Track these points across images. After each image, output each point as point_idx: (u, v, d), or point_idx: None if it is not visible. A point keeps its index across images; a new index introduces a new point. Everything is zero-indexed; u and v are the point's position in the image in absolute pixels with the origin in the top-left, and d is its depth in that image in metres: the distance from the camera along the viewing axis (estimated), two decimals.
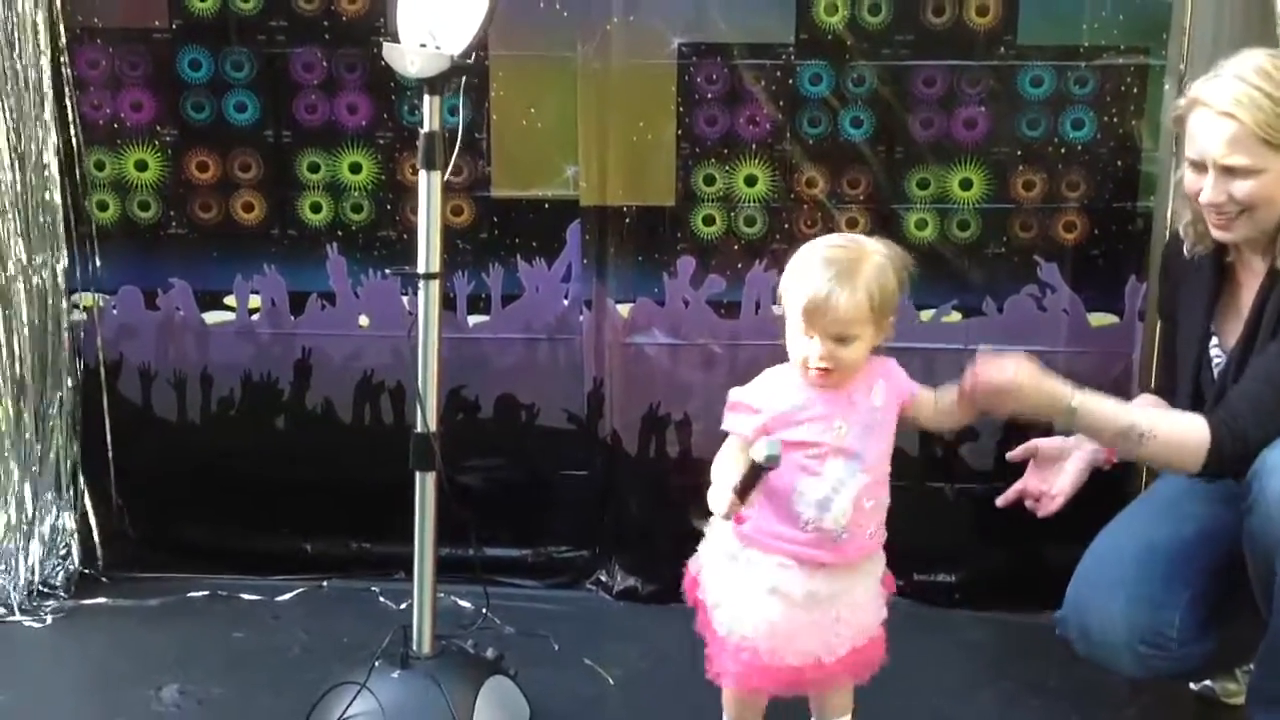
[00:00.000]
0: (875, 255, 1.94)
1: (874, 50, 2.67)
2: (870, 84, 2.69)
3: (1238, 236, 2.15)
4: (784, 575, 1.97)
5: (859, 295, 1.90)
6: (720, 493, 1.91)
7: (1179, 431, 2.07)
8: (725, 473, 1.93)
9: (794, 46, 2.68)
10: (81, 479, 2.91)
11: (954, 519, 2.86)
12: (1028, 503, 2.26)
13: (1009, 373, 2.00)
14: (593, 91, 2.71)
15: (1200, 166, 2.11)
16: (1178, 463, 2.09)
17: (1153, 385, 2.52)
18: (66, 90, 2.73)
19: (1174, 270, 2.36)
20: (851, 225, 2.75)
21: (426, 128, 2.09)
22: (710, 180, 2.76)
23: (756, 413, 1.96)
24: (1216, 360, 2.25)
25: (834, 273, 1.91)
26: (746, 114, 2.73)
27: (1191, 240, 2.25)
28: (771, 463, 1.84)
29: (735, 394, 2.00)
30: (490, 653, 2.31)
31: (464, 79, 2.10)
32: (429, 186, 2.11)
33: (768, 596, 1.97)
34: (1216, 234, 2.16)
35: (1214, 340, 2.26)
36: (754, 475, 1.87)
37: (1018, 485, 2.27)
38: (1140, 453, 2.11)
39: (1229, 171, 2.07)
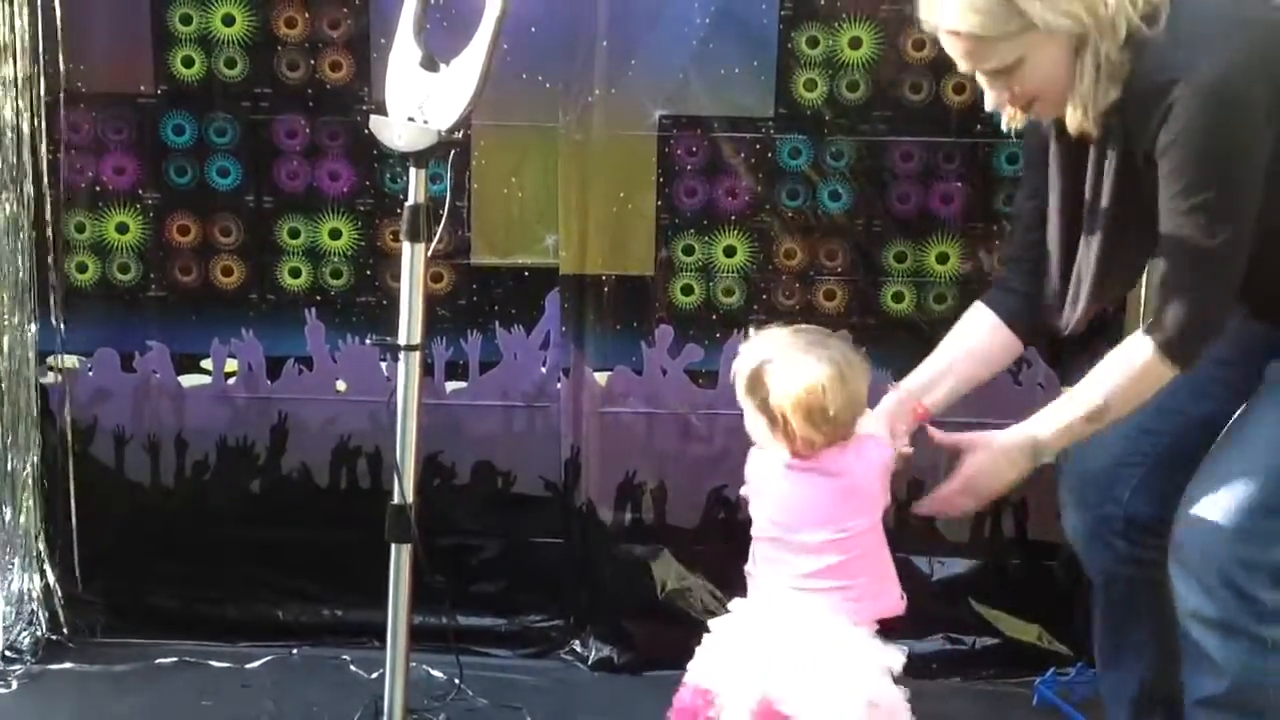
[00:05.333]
0: None
1: (852, 125, 2.71)
2: (848, 158, 2.73)
3: (1046, 115, 2.00)
4: None
5: None
6: None
7: (1129, 374, 1.97)
8: None
9: (773, 120, 2.72)
10: (49, 543, 2.87)
11: (929, 590, 2.86)
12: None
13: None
14: (574, 161, 2.73)
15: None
16: (1154, 390, 1.99)
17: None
18: (45, 152, 2.73)
19: (1035, 156, 2.16)
20: (829, 297, 2.78)
21: (411, 200, 2.10)
22: (689, 250, 2.79)
23: None
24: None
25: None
26: (726, 185, 2.76)
27: (1007, 118, 2.05)
28: None
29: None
30: None
31: (450, 153, 2.10)
32: (412, 259, 2.11)
33: None
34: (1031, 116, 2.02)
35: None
36: None
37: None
38: (1116, 416, 2.01)
39: (996, 74, 1.93)
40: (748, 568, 2.12)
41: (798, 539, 2.02)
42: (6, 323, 2.77)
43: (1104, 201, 1.97)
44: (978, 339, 2.23)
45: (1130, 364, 1.98)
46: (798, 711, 1.94)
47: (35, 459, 2.84)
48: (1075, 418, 2.02)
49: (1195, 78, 1.81)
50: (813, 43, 2.68)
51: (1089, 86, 1.87)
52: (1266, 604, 1.94)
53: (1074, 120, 1.92)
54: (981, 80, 1.96)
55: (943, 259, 2.76)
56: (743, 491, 2.15)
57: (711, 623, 2.11)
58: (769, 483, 2.07)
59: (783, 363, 2.02)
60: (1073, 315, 2.07)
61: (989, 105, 1.99)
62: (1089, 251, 2.02)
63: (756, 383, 2.03)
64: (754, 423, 2.06)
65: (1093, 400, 2.00)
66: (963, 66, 1.96)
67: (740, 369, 2.07)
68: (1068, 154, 2.05)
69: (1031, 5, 1.83)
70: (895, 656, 2.01)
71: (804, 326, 2.12)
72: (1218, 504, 1.96)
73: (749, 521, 2.83)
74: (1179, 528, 2.00)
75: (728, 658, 2.04)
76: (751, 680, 1.98)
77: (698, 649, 2.10)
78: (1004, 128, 2.06)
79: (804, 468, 2.03)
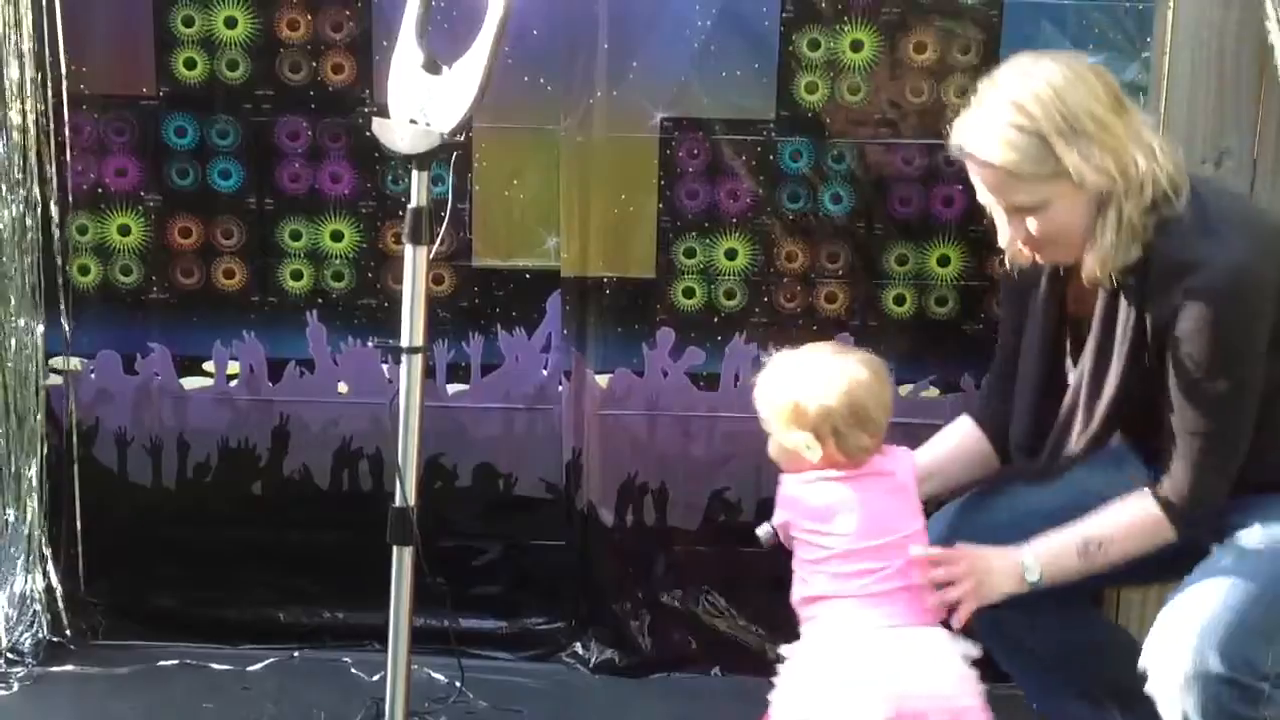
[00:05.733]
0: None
1: (853, 128, 2.71)
2: (849, 161, 2.73)
3: (1053, 260, 2.07)
4: None
5: None
6: None
7: (1133, 522, 2.03)
8: None
9: (774, 123, 2.72)
10: (51, 545, 2.87)
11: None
12: None
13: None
14: (575, 164, 2.73)
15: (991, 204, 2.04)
16: (1151, 547, 2.03)
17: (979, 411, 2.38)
18: (48, 154, 2.73)
19: (1015, 293, 2.24)
20: (830, 300, 2.78)
21: (414, 203, 2.10)
22: (691, 253, 2.79)
23: None
24: (1071, 375, 2.16)
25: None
26: (727, 188, 2.76)
27: (1011, 254, 2.11)
28: None
29: None
30: None
31: (453, 155, 2.10)
32: (414, 261, 2.11)
33: None
34: (1036, 259, 2.08)
35: (1068, 361, 2.18)
36: None
37: None
38: (1110, 560, 2.04)
39: (1017, 211, 1.98)
40: (803, 595, 2.06)
41: (876, 544, 2.02)
42: (12, 325, 2.77)
43: (1116, 359, 2.03)
44: (960, 447, 2.30)
45: (1134, 518, 2.03)
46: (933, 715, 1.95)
47: (40, 461, 2.84)
48: (1068, 545, 2.04)
49: (1220, 266, 1.90)
50: (814, 45, 2.68)
51: (1111, 242, 1.94)
52: (1263, 691, 1.92)
53: (1089, 270, 1.98)
54: (999, 216, 2.02)
55: (944, 261, 2.76)
56: (776, 523, 2.10)
57: (786, 650, 2.07)
58: (843, 501, 2.03)
59: (818, 379, 2.03)
60: (1058, 459, 2.12)
61: (1002, 241, 2.04)
62: (1094, 402, 2.07)
63: (799, 412, 2.02)
64: (803, 446, 2.03)
65: (1090, 536, 2.03)
66: (985, 197, 2.01)
67: (775, 402, 2.05)
68: (1054, 302, 2.14)
69: (1069, 154, 1.90)
70: (970, 648, 2.02)
71: (819, 345, 2.13)
72: (1211, 604, 1.95)
73: (749, 523, 2.85)
74: (1169, 634, 1.95)
75: (825, 684, 1.99)
76: (880, 697, 1.94)
77: (778, 681, 2.05)
78: (1006, 264, 2.14)
79: (862, 474, 2.04)
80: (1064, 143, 1.90)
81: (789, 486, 2.08)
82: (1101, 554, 2.02)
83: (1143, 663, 1.98)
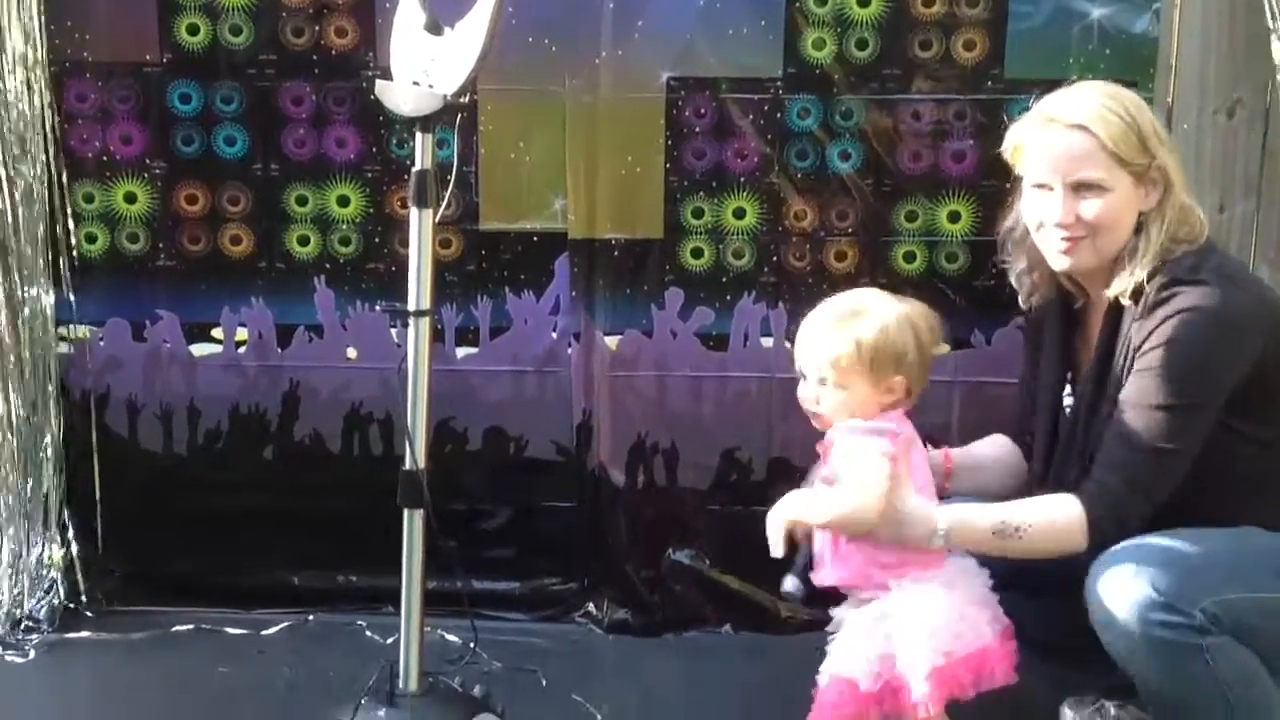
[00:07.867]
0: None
1: (861, 84, 2.69)
2: (858, 117, 2.71)
3: (1081, 263, 2.12)
4: None
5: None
6: None
7: (1052, 517, 2.03)
8: None
9: (782, 80, 2.70)
10: (66, 512, 2.89)
11: None
12: None
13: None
14: (581, 125, 2.72)
15: (1047, 188, 2.10)
16: (1061, 549, 2.03)
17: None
18: (51, 123, 2.73)
19: (1034, 329, 2.35)
20: (840, 258, 2.77)
21: (419, 166, 2.09)
22: (699, 213, 2.77)
23: None
24: (1068, 404, 2.24)
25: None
26: (735, 147, 2.74)
27: (1027, 290, 2.26)
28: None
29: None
30: (478, 689, 2.30)
31: (457, 117, 2.09)
32: (420, 224, 2.11)
33: None
34: (1058, 261, 2.13)
35: (1068, 388, 2.26)
36: None
37: None
38: (1021, 548, 2.03)
39: (1078, 189, 2.06)
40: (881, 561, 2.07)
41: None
42: (25, 294, 2.77)
43: (1111, 383, 2.09)
44: (993, 455, 2.37)
45: (1054, 515, 2.03)
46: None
47: (55, 429, 2.84)
48: (985, 522, 2.04)
49: (1208, 297, 1.99)
50: (820, 1, 2.65)
51: (1145, 257, 2.05)
52: (1196, 619, 1.91)
53: (1119, 284, 2.07)
54: (1056, 196, 2.08)
55: (954, 217, 2.74)
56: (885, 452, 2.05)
57: (838, 611, 2.12)
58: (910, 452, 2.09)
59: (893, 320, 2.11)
60: (1064, 478, 2.16)
61: (1052, 217, 2.10)
62: (1092, 420, 2.12)
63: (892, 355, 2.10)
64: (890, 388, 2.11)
65: (1008, 519, 2.03)
66: (1062, 163, 2.07)
67: (846, 349, 2.11)
68: (1062, 338, 2.26)
69: (1160, 150, 2.08)
70: None
71: (842, 296, 2.18)
72: (1151, 544, 1.98)
73: (760, 482, 2.85)
74: (1111, 569, 1.97)
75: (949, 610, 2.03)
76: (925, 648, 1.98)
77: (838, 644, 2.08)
78: (1021, 304, 2.31)
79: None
80: (1156, 142, 2.07)
81: (873, 427, 2.05)
82: (1016, 539, 2.02)
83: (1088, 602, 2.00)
